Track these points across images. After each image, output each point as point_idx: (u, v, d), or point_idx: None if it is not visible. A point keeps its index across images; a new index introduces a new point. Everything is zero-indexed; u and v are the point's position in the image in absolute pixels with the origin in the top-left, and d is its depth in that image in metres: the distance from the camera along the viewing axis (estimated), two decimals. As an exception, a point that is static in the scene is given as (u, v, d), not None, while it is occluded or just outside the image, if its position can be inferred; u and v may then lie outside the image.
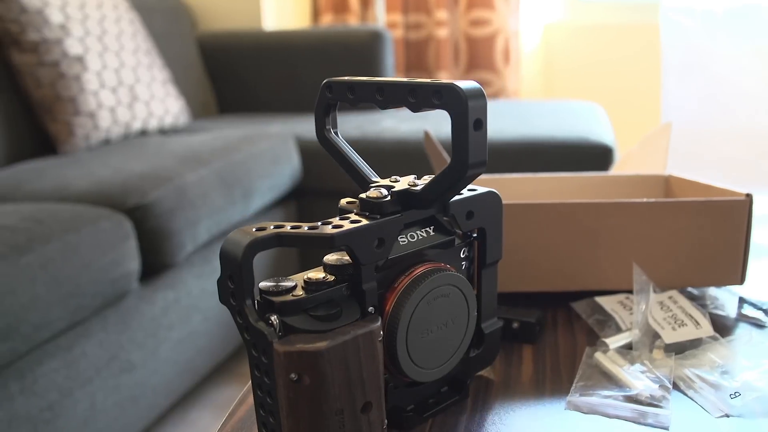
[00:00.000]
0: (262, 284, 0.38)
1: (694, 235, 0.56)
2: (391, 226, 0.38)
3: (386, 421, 0.39)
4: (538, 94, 2.47)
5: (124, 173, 1.29)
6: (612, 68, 2.37)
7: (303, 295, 0.37)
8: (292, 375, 0.35)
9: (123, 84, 1.67)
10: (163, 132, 1.81)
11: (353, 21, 2.43)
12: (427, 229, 0.42)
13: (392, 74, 2.11)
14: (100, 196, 1.20)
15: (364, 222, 0.37)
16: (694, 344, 0.49)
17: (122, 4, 1.78)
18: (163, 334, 1.22)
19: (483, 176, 0.73)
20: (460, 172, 0.36)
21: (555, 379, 0.47)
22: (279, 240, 0.36)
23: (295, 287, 0.38)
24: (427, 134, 0.79)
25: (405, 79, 0.38)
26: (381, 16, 2.40)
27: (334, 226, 0.37)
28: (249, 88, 2.19)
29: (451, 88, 0.35)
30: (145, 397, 1.18)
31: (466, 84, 0.35)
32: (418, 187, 0.40)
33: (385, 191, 0.39)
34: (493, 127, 1.62)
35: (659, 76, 1.87)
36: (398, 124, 1.76)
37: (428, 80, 0.37)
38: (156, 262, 1.21)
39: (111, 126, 1.62)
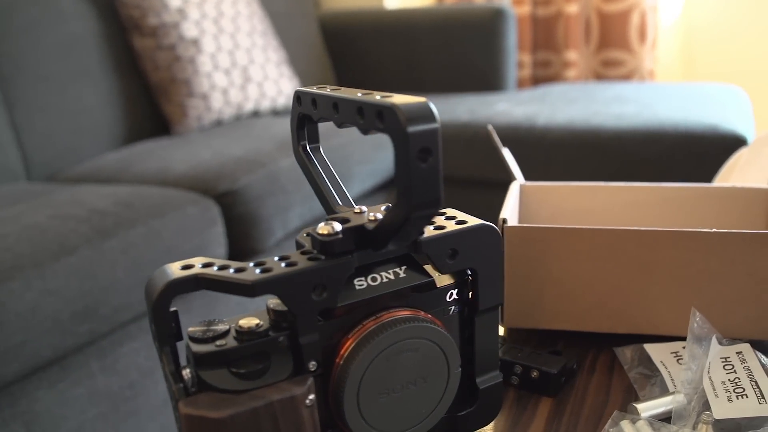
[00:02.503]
0: (191, 329, 0.34)
1: (779, 277, 0.45)
2: (335, 270, 0.32)
3: (326, 493, 0.33)
4: (676, 76, 2.23)
5: (222, 157, 1.30)
6: (761, 48, 2.08)
7: (228, 345, 0.32)
8: (198, 441, 0.30)
9: (236, 65, 1.70)
10: (275, 113, 1.83)
11: (479, -3, 2.32)
12: (397, 269, 0.35)
13: (514, 54, 1.99)
14: (194, 181, 1.22)
15: (301, 265, 0.32)
16: (754, 424, 0.39)
17: (240, -14, 1.81)
18: (248, 319, 1.23)
19: (546, 183, 0.64)
20: (404, 212, 0.30)
21: (565, 449, 0.39)
22: (197, 283, 0.32)
23: (226, 333, 0.33)
24: (489, 131, 0.71)
25: (357, 95, 0.32)
26: (508, -9, 2.27)
27: (263, 270, 0.32)
28: (369, 67, 2.17)
29: (390, 110, 0.29)
30: (228, 380, 1.20)
31: (411, 103, 0.29)
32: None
33: (338, 227, 0.33)
34: (611, 112, 1.47)
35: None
36: (512, 107, 1.66)
37: (375, 98, 0.30)
38: (245, 248, 1.22)
39: (223, 107, 1.66)
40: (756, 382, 0.41)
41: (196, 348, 0.32)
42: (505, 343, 0.48)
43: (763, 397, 0.40)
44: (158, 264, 1.02)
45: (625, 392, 0.45)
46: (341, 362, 0.34)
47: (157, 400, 1.06)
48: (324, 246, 0.33)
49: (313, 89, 0.36)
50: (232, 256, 1.20)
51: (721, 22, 2.15)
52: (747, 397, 0.40)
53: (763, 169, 0.63)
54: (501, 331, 0.52)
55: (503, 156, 0.66)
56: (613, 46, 2.10)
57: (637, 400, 0.42)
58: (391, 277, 0.35)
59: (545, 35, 2.23)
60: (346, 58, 2.19)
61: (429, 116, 0.29)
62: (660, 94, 1.63)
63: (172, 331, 0.32)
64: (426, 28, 2.07)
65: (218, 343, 0.32)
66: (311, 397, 0.32)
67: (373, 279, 0.35)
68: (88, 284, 0.93)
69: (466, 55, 2.02)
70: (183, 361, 0.96)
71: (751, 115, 1.41)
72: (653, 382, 0.44)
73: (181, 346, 0.88)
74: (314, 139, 0.40)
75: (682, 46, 2.22)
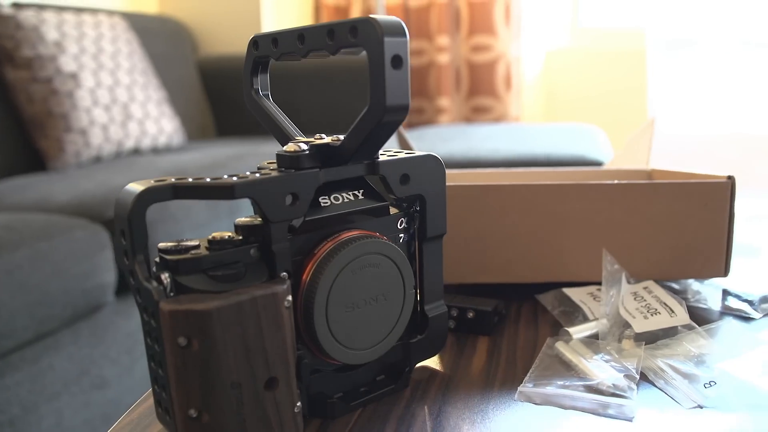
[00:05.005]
0: (161, 244, 0.34)
1: (672, 222, 0.52)
2: (304, 180, 0.34)
3: (299, 403, 0.34)
4: (539, 120, 2.43)
5: (107, 187, 1.26)
6: (615, 95, 2.33)
7: (202, 254, 0.33)
8: (180, 339, 0.30)
9: (117, 102, 1.66)
10: (156, 151, 1.79)
11: (355, 47, 2.42)
12: (356, 192, 0.38)
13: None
14: (80, 208, 1.17)
15: (274, 175, 0.33)
16: (668, 333, 0.44)
17: (120, 25, 1.79)
18: (139, 351, 1.18)
19: (456, 171, 0.68)
20: (376, 116, 0.32)
21: (508, 372, 0.42)
22: (175, 191, 0.32)
23: (197, 247, 0.33)
24: (399, 131, 0.75)
25: (324, 22, 0.34)
26: (383, 42, 2.39)
27: (240, 177, 0.33)
28: (247, 112, 2.18)
29: (366, 23, 0.32)
30: (118, 416, 1.13)
31: (384, 18, 0.32)
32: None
33: (304, 146, 0.35)
34: (486, 147, 1.58)
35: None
36: (392, 144, 1.73)
37: (347, 19, 0.33)
38: (135, 276, 1.17)
39: (102, 143, 1.60)
40: (665, 303, 0.46)
41: (170, 257, 0.32)
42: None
43: (673, 312, 0.45)
44: (47, 287, 0.96)
45: (552, 327, 0.49)
46: (310, 275, 0.35)
47: (41, 438, 0.98)
48: (292, 161, 0.35)
49: (271, 32, 0.39)
50: (121, 282, 1.15)
51: (577, 74, 2.38)
52: (660, 314, 0.45)
53: (640, 156, 0.72)
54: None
55: (409, 143, 0.70)
56: (481, 93, 2.25)
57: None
58: (351, 198, 0.37)
59: (418, 83, 2.36)
60: (225, 103, 2.20)
61: (400, 30, 0.32)
62: (528, 133, 1.77)
63: (145, 241, 0.32)
64: (305, 73, 2.12)
65: (192, 252, 0.33)
66: (289, 298, 0.33)
67: (336, 198, 0.37)
68: (-33, 307, 0.86)
69: (346, 99, 2.09)
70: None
71: (609, 147, 1.57)
72: (576, 315, 0.49)
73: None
74: (265, 86, 0.42)
75: (544, 94, 2.44)
